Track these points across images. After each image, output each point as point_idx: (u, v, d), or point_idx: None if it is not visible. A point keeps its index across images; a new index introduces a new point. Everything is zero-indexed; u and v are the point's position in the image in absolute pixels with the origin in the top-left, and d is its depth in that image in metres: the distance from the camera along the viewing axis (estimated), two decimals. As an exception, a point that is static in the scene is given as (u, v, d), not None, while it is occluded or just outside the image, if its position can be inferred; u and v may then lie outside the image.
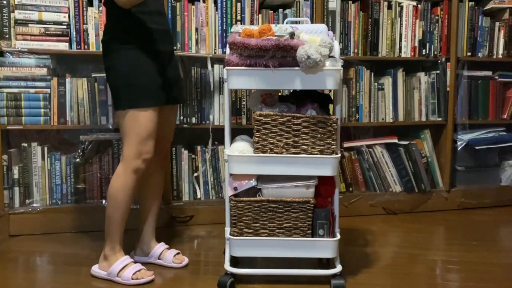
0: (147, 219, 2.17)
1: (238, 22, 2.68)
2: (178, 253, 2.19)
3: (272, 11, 2.75)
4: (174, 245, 2.32)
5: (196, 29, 2.66)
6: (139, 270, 1.98)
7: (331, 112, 2.07)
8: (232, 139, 2.01)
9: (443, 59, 2.94)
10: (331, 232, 1.90)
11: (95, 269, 2.04)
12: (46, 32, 2.51)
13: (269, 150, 1.86)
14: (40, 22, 2.50)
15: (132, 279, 1.94)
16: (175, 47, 2.15)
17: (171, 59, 2.07)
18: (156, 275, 2.04)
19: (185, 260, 2.16)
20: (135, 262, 2.05)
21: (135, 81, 1.92)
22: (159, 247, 2.18)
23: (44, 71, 2.54)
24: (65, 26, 2.53)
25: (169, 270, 2.11)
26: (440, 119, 2.98)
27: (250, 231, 1.90)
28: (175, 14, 2.62)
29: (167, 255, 2.15)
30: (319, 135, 1.85)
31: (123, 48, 1.93)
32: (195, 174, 2.69)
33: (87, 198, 2.63)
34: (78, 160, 2.62)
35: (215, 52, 2.67)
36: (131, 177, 1.94)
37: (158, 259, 2.16)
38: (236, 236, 1.91)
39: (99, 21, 2.55)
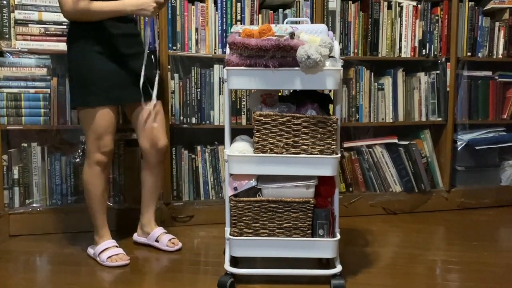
0: (147, 203, 2.37)
1: (238, 22, 2.68)
2: (173, 238, 2.35)
3: (272, 11, 2.75)
4: (174, 245, 2.33)
5: (196, 29, 2.66)
6: (116, 254, 2.16)
7: (331, 112, 2.07)
8: (232, 139, 2.01)
9: (443, 59, 2.94)
10: (331, 232, 1.90)
11: (89, 248, 2.27)
12: (46, 32, 2.51)
13: (269, 150, 1.86)
14: (40, 22, 2.50)
15: (107, 261, 2.14)
16: (150, 47, 2.21)
17: (137, 60, 2.15)
18: (156, 275, 2.04)
19: (179, 245, 2.33)
20: (137, 242, 2.39)
21: (85, 82, 2.09)
22: (157, 230, 2.36)
23: (44, 71, 2.54)
24: (65, 26, 2.53)
25: (169, 270, 2.11)
26: (440, 119, 2.98)
27: (250, 231, 1.90)
28: (175, 14, 2.62)
29: (163, 238, 2.33)
30: (319, 135, 1.85)
31: (78, 50, 2.10)
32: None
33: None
34: (78, 160, 2.62)
35: (215, 52, 2.67)
36: (94, 169, 2.15)
37: (155, 241, 2.34)
38: (236, 236, 1.91)
39: (99, 21, 2.55)
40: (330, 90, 2.35)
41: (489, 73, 3.08)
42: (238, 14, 2.68)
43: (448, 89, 2.96)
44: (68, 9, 2.01)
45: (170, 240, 2.33)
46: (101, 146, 2.12)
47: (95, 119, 2.10)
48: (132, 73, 2.16)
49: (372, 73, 2.88)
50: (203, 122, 2.69)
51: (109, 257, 2.14)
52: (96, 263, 2.18)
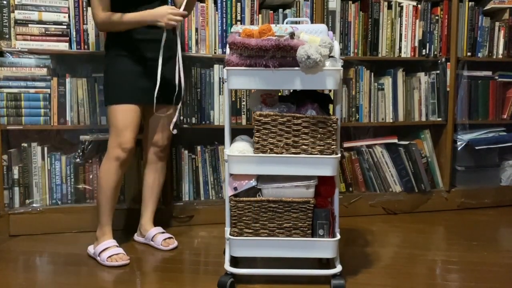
0: (146, 202, 2.43)
1: (238, 22, 2.68)
2: (169, 238, 2.38)
3: (272, 11, 2.75)
4: (174, 245, 2.33)
5: (196, 29, 2.66)
6: (117, 254, 2.17)
7: (331, 112, 2.07)
8: (232, 139, 2.01)
9: (443, 59, 2.94)
10: (331, 232, 1.90)
11: (89, 247, 2.27)
12: (46, 32, 2.51)
13: (269, 150, 1.86)
14: (40, 22, 2.50)
15: (107, 260, 2.14)
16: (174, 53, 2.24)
17: (161, 64, 2.19)
18: (156, 275, 2.04)
19: (174, 244, 2.35)
20: (137, 241, 2.43)
21: (114, 82, 2.23)
22: (153, 230, 2.40)
23: (44, 71, 2.54)
24: (65, 26, 2.53)
25: (169, 270, 2.11)
26: (440, 119, 2.98)
27: (250, 231, 1.90)
28: (175, 14, 2.61)
29: (158, 238, 2.36)
30: (319, 135, 1.85)
31: (110, 55, 2.25)
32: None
33: (87, 198, 2.63)
34: (78, 160, 2.62)
35: (215, 52, 2.68)
36: (112, 164, 2.19)
37: (151, 241, 2.37)
38: (236, 236, 1.91)
39: (99, 21, 2.55)
40: (330, 90, 2.35)
41: (489, 73, 3.08)
42: (238, 14, 2.68)
43: (448, 89, 2.96)
44: (96, 23, 2.20)
45: (164, 239, 2.35)
46: (121, 142, 2.17)
47: (117, 115, 2.19)
48: (156, 76, 2.21)
49: (372, 73, 2.88)
50: (203, 122, 2.69)
51: (109, 256, 2.15)
52: (96, 263, 2.17)
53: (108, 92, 2.25)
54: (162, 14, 2.09)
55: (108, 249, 2.17)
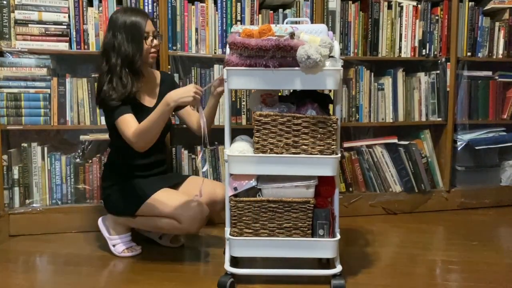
0: None
1: (238, 22, 2.68)
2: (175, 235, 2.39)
3: (272, 11, 2.75)
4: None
5: (196, 29, 2.66)
6: (131, 246, 2.29)
7: (331, 112, 2.07)
8: (232, 139, 2.01)
9: (443, 59, 2.94)
10: (331, 232, 1.90)
11: (102, 222, 2.33)
12: (46, 32, 2.51)
13: (269, 150, 1.86)
14: (40, 22, 2.50)
15: (122, 252, 2.26)
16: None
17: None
18: (157, 275, 2.04)
19: (180, 241, 2.39)
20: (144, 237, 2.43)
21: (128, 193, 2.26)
22: None
23: (44, 71, 2.54)
24: (65, 26, 2.53)
25: (169, 270, 2.11)
26: (440, 119, 2.98)
27: (250, 231, 1.90)
28: (175, 14, 2.62)
29: (165, 236, 2.39)
30: (319, 135, 1.85)
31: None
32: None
33: (87, 198, 2.63)
34: (78, 160, 2.62)
35: (215, 52, 2.67)
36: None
37: (159, 238, 2.39)
38: (236, 236, 1.90)
39: (99, 21, 2.55)
40: (330, 90, 2.35)
41: (489, 73, 3.08)
42: (238, 14, 2.68)
43: (448, 89, 2.96)
44: (131, 142, 2.08)
45: (173, 237, 2.38)
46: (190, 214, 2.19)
47: (162, 201, 2.19)
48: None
49: (372, 73, 2.88)
50: (203, 122, 2.69)
51: (126, 248, 2.26)
52: (96, 263, 2.18)
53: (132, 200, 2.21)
54: (188, 89, 1.97)
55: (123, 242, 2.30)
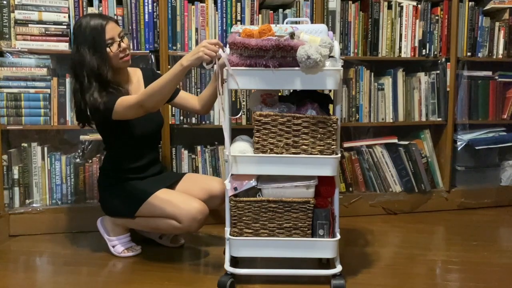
0: None
1: (238, 22, 2.68)
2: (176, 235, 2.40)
3: (272, 11, 2.75)
4: (174, 245, 2.32)
5: (196, 29, 2.66)
6: (130, 247, 2.29)
7: (331, 112, 2.07)
8: (232, 139, 2.01)
9: (443, 59, 2.94)
10: (331, 232, 1.90)
11: (100, 223, 2.34)
12: (46, 32, 2.51)
13: (269, 150, 1.86)
14: (40, 22, 2.50)
15: (122, 252, 2.26)
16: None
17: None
18: (157, 275, 2.04)
19: (181, 241, 2.39)
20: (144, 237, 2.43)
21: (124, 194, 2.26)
22: None
23: (44, 71, 2.54)
24: (65, 26, 2.53)
25: (169, 270, 2.11)
26: (440, 119, 2.98)
27: (250, 231, 1.90)
28: (175, 14, 2.61)
29: (165, 236, 2.40)
30: (319, 135, 1.85)
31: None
32: None
33: (87, 198, 2.63)
34: (78, 160, 2.62)
35: (215, 52, 2.67)
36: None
37: (159, 238, 2.40)
38: (236, 236, 1.91)
39: (99, 21, 2.55)
40: (330, 90, 2.35)
41: (489, 73, 3.08)
42: (238, 14, 2.68)
43: (448, 89, 2.95)
44: (138, 104, 1.98)
45: (173, 237, 2.38)
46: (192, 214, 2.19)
47: (163, 200, 2.20)
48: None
49: (372, 73, 2.88)
50: (203, 122, 2.69)
51: (125, 248, 2.27)
52: (96, 263, 2.18)
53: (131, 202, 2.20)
54: (197, 46, 1.88)
55: (121, 244, 2.30)
